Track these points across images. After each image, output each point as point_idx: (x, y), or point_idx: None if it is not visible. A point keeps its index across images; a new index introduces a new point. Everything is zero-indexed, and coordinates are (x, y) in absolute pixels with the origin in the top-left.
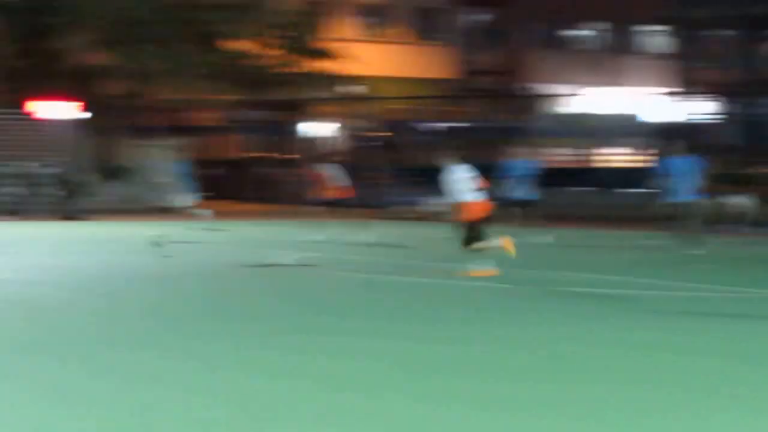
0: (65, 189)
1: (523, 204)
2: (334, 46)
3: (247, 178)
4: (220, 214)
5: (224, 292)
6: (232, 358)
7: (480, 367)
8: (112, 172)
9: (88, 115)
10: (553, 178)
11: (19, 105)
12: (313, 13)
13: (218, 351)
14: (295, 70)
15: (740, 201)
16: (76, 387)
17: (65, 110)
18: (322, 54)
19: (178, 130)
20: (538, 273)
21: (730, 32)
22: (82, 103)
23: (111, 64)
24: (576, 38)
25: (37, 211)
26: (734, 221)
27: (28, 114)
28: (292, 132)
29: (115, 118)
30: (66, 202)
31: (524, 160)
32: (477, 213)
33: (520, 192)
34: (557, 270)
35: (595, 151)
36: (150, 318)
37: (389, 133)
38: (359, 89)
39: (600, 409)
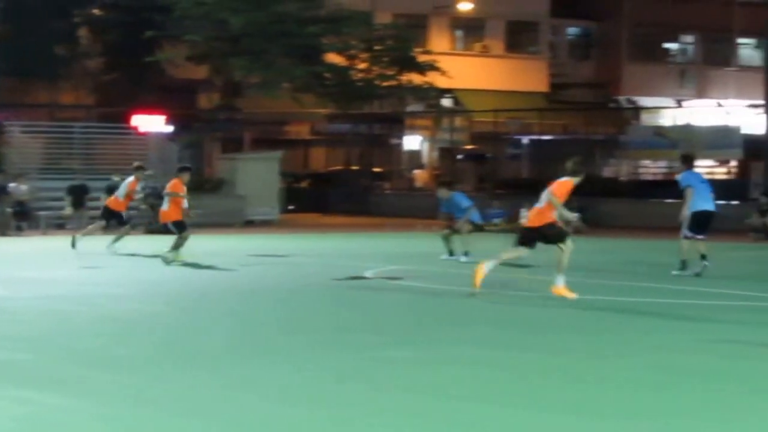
0: (154, 203)
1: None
2: (429, 59)
3: (336, 191)
4: (307, 227)
5: (306, 307)
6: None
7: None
8: (204, 186)
9: (179, 128)
10: (646, 190)
11: (108, 118)
12: (409, 27)
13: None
14: (389, 83)
15: None
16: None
17: (156, 124)
18: (418, 67)
19: (271, 143)
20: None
21: None
22: (173, 117)
23: (204, 78)
24: (671, 50)
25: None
26: None
27: (120, 127)
28: (383, 144)
29: (208, 131)
30: (152, 216)
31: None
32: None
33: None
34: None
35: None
36: (244, 331)
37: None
38: (451, 102)
39: None
